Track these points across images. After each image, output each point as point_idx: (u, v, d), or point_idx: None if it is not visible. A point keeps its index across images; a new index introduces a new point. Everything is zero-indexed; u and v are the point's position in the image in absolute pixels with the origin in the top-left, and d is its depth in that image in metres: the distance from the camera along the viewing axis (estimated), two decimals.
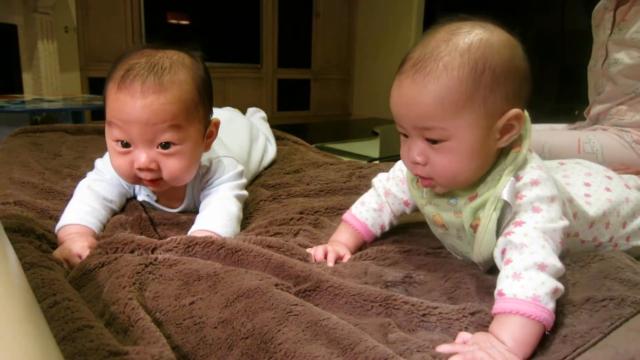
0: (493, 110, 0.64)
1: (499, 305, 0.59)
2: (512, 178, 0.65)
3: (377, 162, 2.06)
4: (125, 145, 0.85)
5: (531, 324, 0.57)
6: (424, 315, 0.62)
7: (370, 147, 3.08)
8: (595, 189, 0.83)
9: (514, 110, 0.65)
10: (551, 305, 0.58)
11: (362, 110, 5.27)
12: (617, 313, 0.63)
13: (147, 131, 0.82)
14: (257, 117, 1.71)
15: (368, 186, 1.18)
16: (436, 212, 0.73)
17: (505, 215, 0.65)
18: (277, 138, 1.63)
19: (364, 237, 0.86)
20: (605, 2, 1.58)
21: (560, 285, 0.59)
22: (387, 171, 1.30)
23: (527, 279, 0.58)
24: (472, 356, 0.55)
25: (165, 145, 0.85)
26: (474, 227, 0.68)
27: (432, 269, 0.74)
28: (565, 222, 0.64)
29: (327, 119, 5.13)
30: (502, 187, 0.64)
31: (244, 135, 1.32)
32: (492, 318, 0.62)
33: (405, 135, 0.69)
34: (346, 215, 0.88)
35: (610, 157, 1.41)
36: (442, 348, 0.57)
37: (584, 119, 1.69)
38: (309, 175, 1.29)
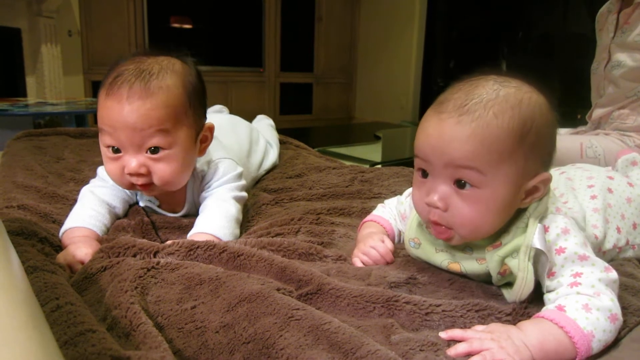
0: (528, 170, 0.63)
1: (552, 314, 0.58)
2: (539, 225, 0.63)
3: (379, 166, 2.06)
4: (116, 150, 0.86)
5: (568, 348, 0.56)
6: (426, 314, 0.62)
7: (373, 151, 3.08)
8: (599, 191, 0.82)
9: (546, 174, 0.65)
10: (594, 352, 0.57)
11: (364, 114, 5.28)
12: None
13: (134, 136, 0.83)
14: (264, 123, 1.71)
15: (370, 190, 1.18)
16: (453, 261, 0.71)
17: (542, 262, 0.63)
18: (279, 142, 1.63)
19: (389, 235, 0.85)
20: (609, 5, 1.58)
21: (611, 341, 0.59)
22: (389, 175, 1.31)
23: (594, 317, 0.58)
24: (479, 344, 0.55)
25: (155, 150, 0.85)
26: (502, 273, 0.66)
27: (437, 271, 0.74)
28: (615, 272, 0.63)
29: (329, 122, 5.14)
30: (532, 235, 0.62)
31: (244, 136, 1.32)
32: (496, 318, 0.62)
33: (424, 176, 0.67)
34: (369, 217, 0.87)
35: (613, 161, 1.41)
36: (454, 332, 0.58)
37: (586, 123, 1.69)
38: (311, 179, 1.30)
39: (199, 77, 0.93)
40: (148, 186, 0.89)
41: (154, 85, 0.84)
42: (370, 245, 0.78)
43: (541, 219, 0.66)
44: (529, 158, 0.63)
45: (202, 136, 0.93)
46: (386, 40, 4.91)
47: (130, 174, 0.86)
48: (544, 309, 0.61)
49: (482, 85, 0.64)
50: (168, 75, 0.87)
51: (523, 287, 0.63)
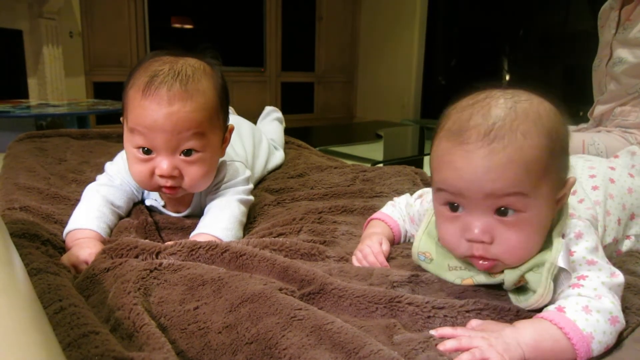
0: (560, 180, 0.63)
1: (551, 315, 0.58)
2: (563, 242, 0.62)
3: (380, 165, 2.06)
4: (147, 152, 0.85)
5: (566, 348, 0.56)
6: (428, 317, 0.62)
7: (374, 150, 3.08)
8: (601, 181, 0.82)
9: (572, 178, 0.64)
10: (595, 354, 0.57)
11: (365, 113, 5.28)
12: None
13: (172, 139, 0.83)
14: (271, 119, 1.69)
15: (372, 189, 1.18)
16: (467, 277, 0.68)
17: (560, 281, 0.62)
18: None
19: (396, 236, 0.84)
20: (611, 2, 1.58)
21: (612, 344, 0.58)
22: (391, 174, 1.31)
23: (594, 319, 0.57)
24: (468, 342, 0.55)
25: (188, 152, 0.86)
26: (516, 284, 0.65)
27: None
28: (622, 277, 0.63)
29: (331, 122, 5.14)
30: (558, 254, 0.61)
31: (247, 139, 1.32)
32: (500, 317, 0.62)
33: (453, 210, 0.63)
34: (377, 215, 0.86)
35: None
36: (444, 330, 0.58)
37: (588, 120, 1.69)
38: (313, 179, 1.30)
39: (223, 79, 0.93)
40: (176, 189, 0.88)
41: (192, 88, 0.84)
42: (367, 244, 0.78)
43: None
44: (560, 168, 0.62)
45: (224, 137, 0.94)
46: (387, 39, 4.91)
47: (162, 176, 0.85)
48: (544, 309, 0.61)
49: (494, 105, 0.61)
50: (202, 77, 0.87)
51: (539, 302, 0.61)
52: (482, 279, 0.67)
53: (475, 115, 0.61)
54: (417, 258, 0.73)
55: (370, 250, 0.77)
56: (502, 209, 0.60)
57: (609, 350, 0.58)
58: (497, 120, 0.60)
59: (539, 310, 0.62)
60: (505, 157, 0.58)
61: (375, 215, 0.87)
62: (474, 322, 0.59)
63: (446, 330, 0.58)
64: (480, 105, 0.62)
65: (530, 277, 0.62)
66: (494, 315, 0.62)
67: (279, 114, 1.72)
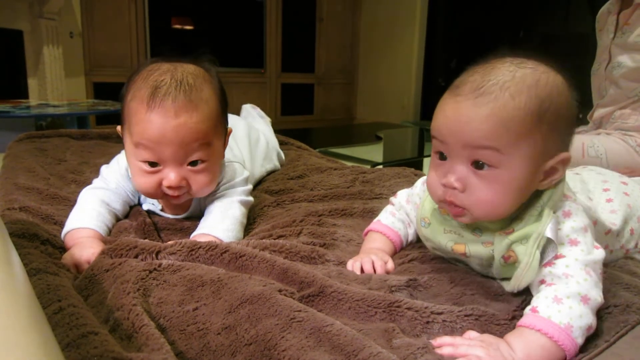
0: (547, 150, 0.63)
1: (528, 320, 0.58)
2: (554, 215, 0.63)
3: (380, 166, 2.06)
4: (153, 164, 0.84)
5: (553, 349, 0.56)
6: (427, 322, 0.62)
7: (374, 152, 3.08)
8: (615, 194, 0.83)
9: (565, 154, 0.64)
10: (580, 341, 0.57)
11: (365, 114, 5.28)
12: (623, 319, 0.62)
13: (179, 151, 0.83)
14: (257, 115, 1.66)
15: (372, 191, 1.18)
16: (460, 242, 0.71)
17: (547, 253, 0.63)
18: (281, 143, 1.62)
19: (396, 247, 0.84)
20: (609, 5, 1.58)
21: (594, 324, 0.59)
22: (391, 175, 1.31)
23: (567, 306, 0.58)
24: (465, 350, 0.55)
25: (195, 162, 0.85)
26: (506, 259, 0.66)
27: (437, 274, 0.73)
28: (602, 252, 0.63)
29: (330, 123, 5.14)
30: (546, 225, 0.62)
31: (243, 138, 1.31)
32: (497, 322, 0.62)
33: (441, 159, 0.67)
34: (376, 226, 0.86)
35: (615, 161, 1.41)
36: (443, 340, 0.58)
37: (587, 122, 1.69)
38: (313, 180, 1.30)
39: (221, 83, 0.92)
40: (181, 196, 0.88)
41: (196, 98, 0.83)
42: (372, 257, 0.78)
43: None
44: (548, 138, 0.62)
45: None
46: (387, 40, 4.91)
47: (170, 187, 0.85)
48: (525, 313, 0.61)
49: (498, 67, 0.64)
50: (204, 85, 0.86)
51: (525, 271, 0.62)
52: (475, 248, 0.69)
53: (477, 74, 0.64)
54: (419, 226, 0.76)
55: (370, 267, 0.77)
56: (480, 162, 0.63)
57: (609, 347, 0.58)
58: (492, 78, 0.63)
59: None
60: (487, 110, 0.61)
61: (375, 226, 0.86)
62: (472, 334, 0.59)
63: (445, 340, 0.58)
64: (486, 66, 0.65)
65: (518, 249, 0.64)
66: (492, 320, 0.62)
67: (258, 110, 1.69)
